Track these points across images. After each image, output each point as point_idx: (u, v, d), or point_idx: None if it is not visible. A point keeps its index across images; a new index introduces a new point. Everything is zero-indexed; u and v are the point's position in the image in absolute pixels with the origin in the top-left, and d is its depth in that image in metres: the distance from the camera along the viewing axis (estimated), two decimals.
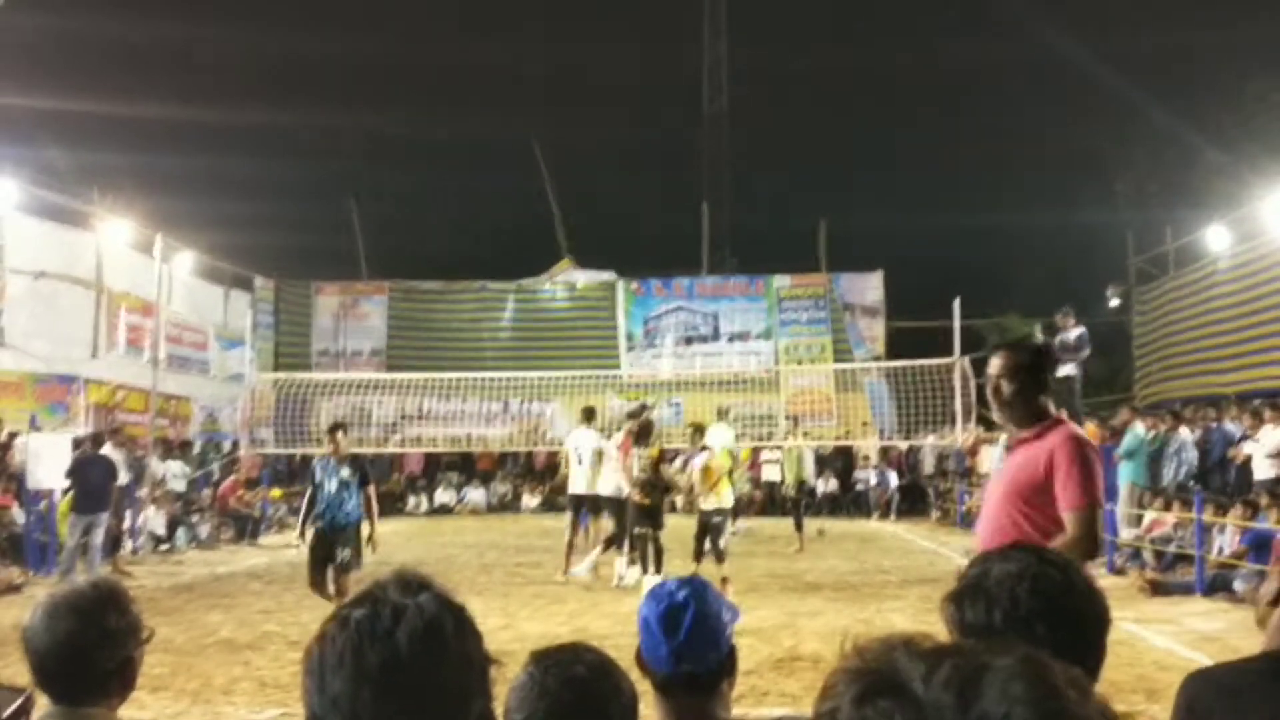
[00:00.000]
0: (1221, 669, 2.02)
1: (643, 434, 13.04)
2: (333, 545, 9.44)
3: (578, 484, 13.59)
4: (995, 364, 4.08)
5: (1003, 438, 22.57)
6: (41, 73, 25.85)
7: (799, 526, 17.19)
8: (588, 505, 13.72)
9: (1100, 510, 3.86)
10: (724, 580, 11.32)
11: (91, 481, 13.70)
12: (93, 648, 2.26)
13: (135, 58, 30.81)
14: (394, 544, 15.47)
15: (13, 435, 16.29)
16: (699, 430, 13.73)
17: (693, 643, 2.15)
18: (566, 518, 13.85)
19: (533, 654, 2.03)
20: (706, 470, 12.43)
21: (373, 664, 1.31)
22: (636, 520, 12.36)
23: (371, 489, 9.97)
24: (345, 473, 9.68)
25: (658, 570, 11.90)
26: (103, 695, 2.29)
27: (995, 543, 3.73)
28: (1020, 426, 4.06)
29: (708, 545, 12.06)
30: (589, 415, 14.29)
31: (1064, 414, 4.11)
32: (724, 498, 12.49)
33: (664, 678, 2.17)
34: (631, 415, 14.05)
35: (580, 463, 13.55)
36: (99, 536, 13.62)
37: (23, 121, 23.20)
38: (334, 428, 10.11)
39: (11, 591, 12.54)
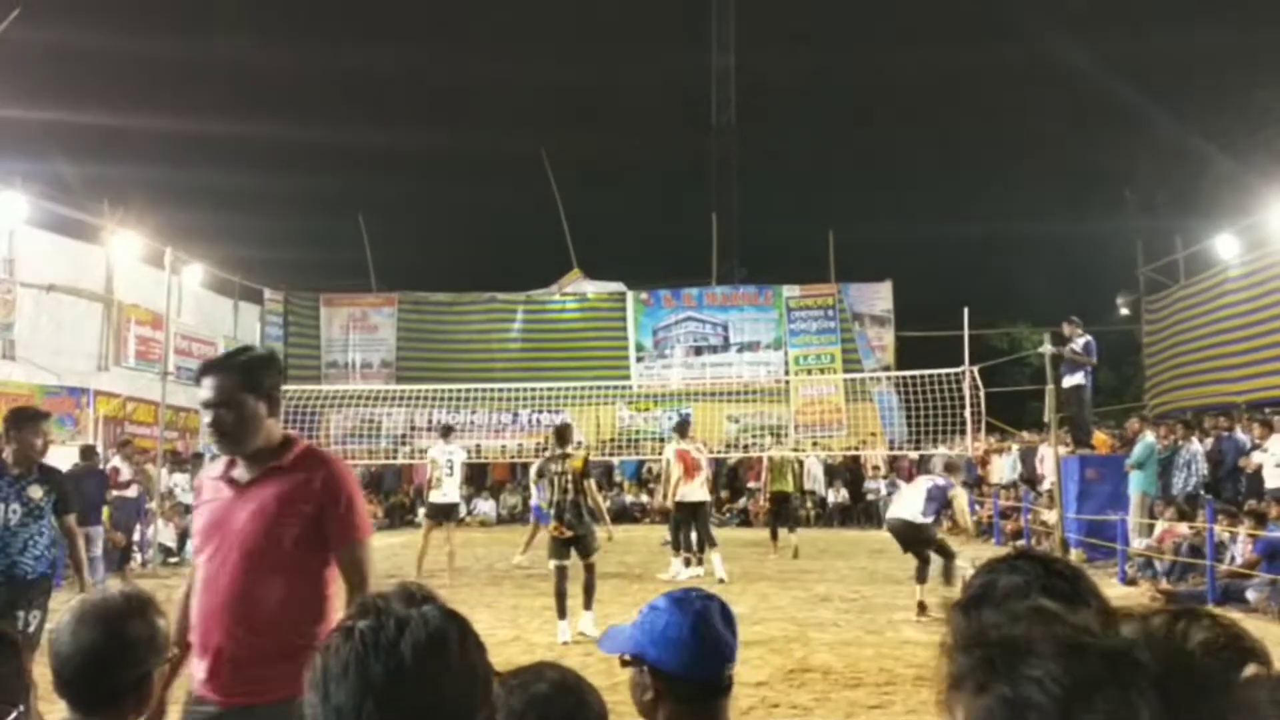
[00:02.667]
0: None
1: (559, 440, 10.33)
2: (12, 606, 6.14)
3: (452, 493, 14.43)
4: (207, 389, 3.28)
5: (1015, 447, 22.58)
6: (52, 86, 25.97)
7: (774, 535, 17.44)
8: (453, 514, 14.53)
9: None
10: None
11: (85, 495, 13.75)
12: (111, 659, 2.23)
13: (145, 72, 30.95)
14: (405, 556, 15.46)
15: None
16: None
17: (734, 643, 2.17)
18: (425, 524, 14.65)
19: (497, 675, 2.02)
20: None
21: (377, 675, 1.31)
22: (552, 553, 9.98)
23: (73, 519, 6.76)
24: (36, 493, 6.44)
25: (587, 604, 9.91)
26: (116, 709, 2.27)
27: (234, 616, 3.11)
28: (256, 460, 3.32)
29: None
30: (447, 431, 15.23)
31: (298, 433, 3.52)
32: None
33: (704, 685, 2.11)
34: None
35: (450, 474, 14.26)
36: (97, 548, 13.68)
37: (33, 135, 23.30)
38: (14, 419, 6.57)
39: None
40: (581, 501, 9.89)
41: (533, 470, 14.14)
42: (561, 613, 9.69)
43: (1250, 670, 0.84)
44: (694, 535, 14.91)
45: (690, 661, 2.09)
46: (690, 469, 14.53)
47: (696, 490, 14.52)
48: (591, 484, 10.14)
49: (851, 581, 14.13)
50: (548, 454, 10.62)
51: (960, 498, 11.86)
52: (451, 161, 37.05)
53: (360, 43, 39.15)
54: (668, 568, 14.66)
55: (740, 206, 33.80)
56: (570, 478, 9.88)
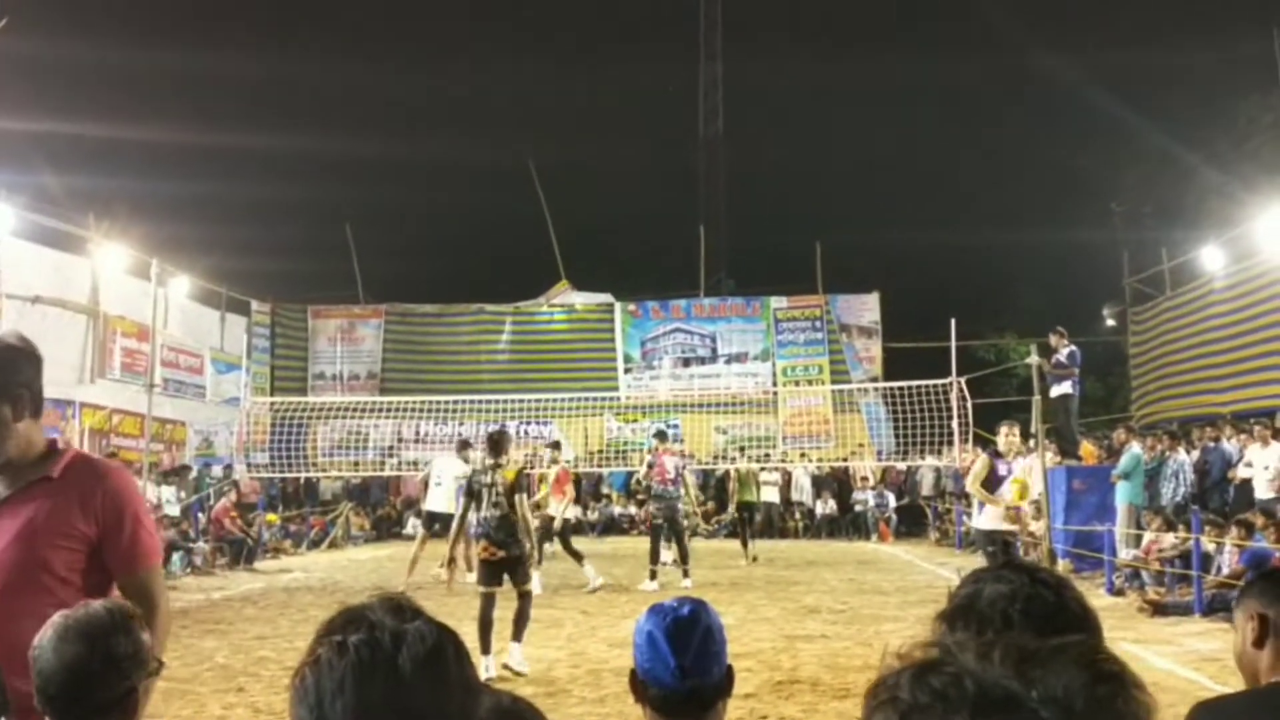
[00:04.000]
0: (1232, 699, 1.97)
1: (494, 450, 9.27)
2: None
3: (435, 503, 14.94)
4: None
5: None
6: (37, 97, 25.92)
7: (744, 543, 18.49)
8: (439, 522, 14.68)
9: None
10: None
11: None
12: (96, 675, 2.20)
13: (131, 82, 30.91)
14: (390, 568, 15.42)
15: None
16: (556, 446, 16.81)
17: (700, 657, 2.16)
18: (419, 533, 15.22)
19: None
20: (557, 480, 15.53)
21: (377, 692, 1.27)
22: (480, 578, 8.99)
23: None
24: None
25: (516, 635, 8.77)
26: None
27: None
28: (11, 473, 2.81)
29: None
30: (463, 446, 16.20)
31: (66, 441, 3.10)
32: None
33: (666, 695, 2.15)
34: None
35: (439, 485, 14.97)
36: None
37: (19, 146, 23.23)
38: None
39: None
40: (513, 519, 8.85)
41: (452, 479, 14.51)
42: (485, 647, 8.42)
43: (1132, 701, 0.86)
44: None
45: (645, 665, 2.19)
46: (561, 483, 15.79)
47: (556, 505, 15.63)
48: (522, 499, 9.01)
49: (840, 593, 14.13)
50: (477, 464, 9.84)
51: (977, 463, 10.82)
52: (439, 172, 37.06)
53: (348, 54, 39.20)
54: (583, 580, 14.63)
55: (728, 218, 33.92)
56: (499, 490, 8.87)
